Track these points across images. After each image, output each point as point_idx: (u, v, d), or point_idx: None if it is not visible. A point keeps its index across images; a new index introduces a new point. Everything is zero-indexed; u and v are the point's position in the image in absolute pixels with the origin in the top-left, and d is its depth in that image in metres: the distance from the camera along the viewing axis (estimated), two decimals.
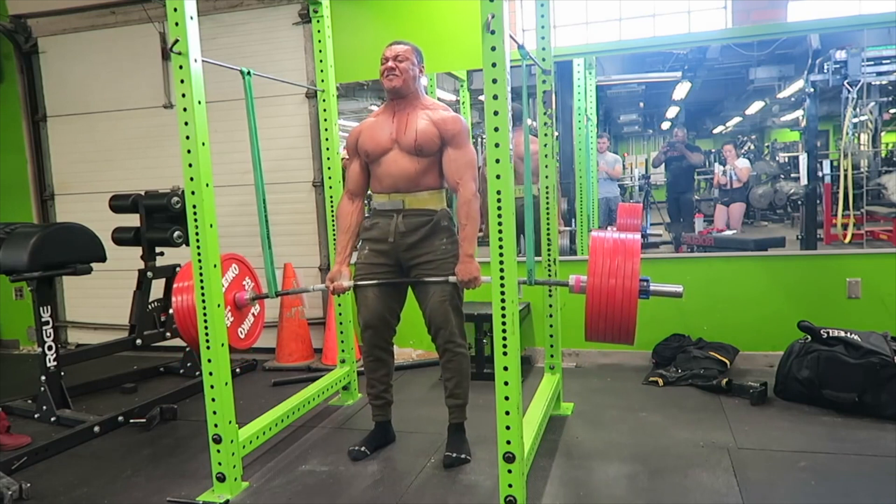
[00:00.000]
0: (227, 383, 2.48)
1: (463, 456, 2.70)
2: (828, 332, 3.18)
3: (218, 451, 2.47)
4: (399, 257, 2.70)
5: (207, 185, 2.38)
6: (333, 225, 3.42)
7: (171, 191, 3.87)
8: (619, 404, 3.32)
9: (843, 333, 3.14)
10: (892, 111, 3.77)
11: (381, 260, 2.72)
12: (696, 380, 3.53)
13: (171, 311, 4.02)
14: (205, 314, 2.42)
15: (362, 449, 2.80)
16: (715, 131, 4.14)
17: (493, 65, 1.96)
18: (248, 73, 2.78)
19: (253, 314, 3.09)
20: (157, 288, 3.92)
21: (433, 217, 2.66)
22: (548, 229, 3.05)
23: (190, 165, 2.35)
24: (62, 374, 3.41)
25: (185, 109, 2.31)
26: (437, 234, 2.66)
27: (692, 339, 3.90)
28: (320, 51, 3.39)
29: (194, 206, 2.37)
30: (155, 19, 4.60)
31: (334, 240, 3.42)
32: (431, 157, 2.64)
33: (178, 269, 3.97)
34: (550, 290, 3.08)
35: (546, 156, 3.02)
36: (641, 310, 3.86)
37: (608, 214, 4.25)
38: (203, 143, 2.35)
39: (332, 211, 3.43)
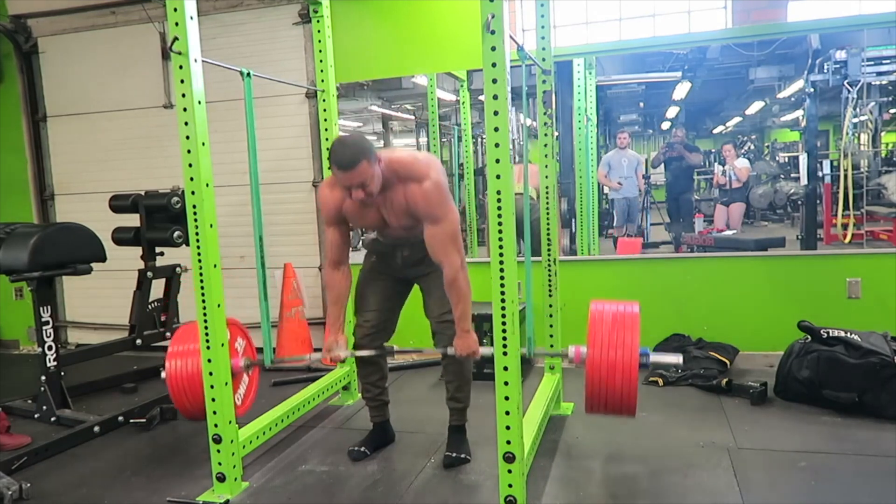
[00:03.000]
0: (227, 383, 2.49)
1: (463, 456, 2.70)
2: (828, 332, 3.18)
3: (218, 451, 2.47)
4: (405, 273, 2.74)
5: (207, 185, 2.38)
6: None
7: (171, 191, 3.86)
8: None
9: (843, 333, 3.14)
10: (892, 111, 3.77)
11: (387, 271, 2.75)
12: (696, 380, 3.53)
13: (176, 319, 4.01)
14: (205, 314, 2.42)
15: (362, 449, 2.81)
16: (715, 131, 4.14)
17: (493, 65, 1.96)
18: (248, 74, 2.77)
19: (247, 375, 2.99)
20: (157, 288, 3.92)
21: None
22: (548, 229, 3.05)
23: (190, 165, 2.35)
24: (62, 374, 3.41)
25: (185, 109, 2.31)
26: None
27: (692, 339, 3.90)
28: (320, 51, 3.39)
29: (194, 206, 2.37)
30: (155, 19, 4.60)
31: None
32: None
33: (178, 268, 3.97)
34: (550, 291, 3.08)
35: (546, 156, 3.02)
36: (641, 309, 3.87)
37: (626, 215, 4.23)
38: (203, 143, 2.35)
39: None
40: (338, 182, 2.39)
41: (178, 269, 3.98)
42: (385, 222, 2.56)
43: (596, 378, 2.35)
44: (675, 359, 2.44)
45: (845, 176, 3.76)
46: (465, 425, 2.80)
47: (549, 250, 3.06)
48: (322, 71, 3.40)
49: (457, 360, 2.67)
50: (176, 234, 3.78)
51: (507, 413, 2.10)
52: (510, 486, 2.13)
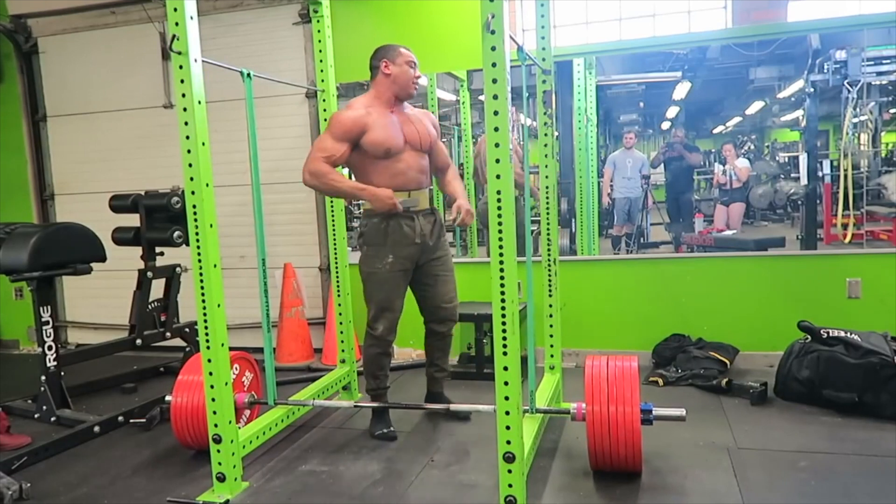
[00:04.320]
0: (227, 383, 2.49)
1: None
2: (828, 332, 3.18)
3: (218, 451, 2.47)
4: (418, 258, 2.89)
5: (207, 185, 2.38)
6: (333, 225, 3.42)
7: (171, 191, 3.86)
8: None
9: (843, 333, 3.14)
10: (892, 111, 3.77)
11: (407, 266, 2.87)
12: (696, 380, 3.53)
13: (176, 318, 4.02)
14: (205, 314, 2.42)
15: (391, 429, 2.99)
16: (715, 131, 4.14)
17: (493, 65, 1.96)
18: (249, 75, 2.77)
19: (248, 410, 3.05)
20: (157, 288, 3.92)
21: (436, 215, 2.97)
22: (548, 229, 3.05)
23: (190, 165, 2.35)
24: (62, 374, 3.41)
25: (185, 109, 2.31)
26: (443, 232, 3.02)
27: (692, 339, 3.90)
28: (320, 51, 3.39)
29: (194, 206, 2.37)
30: (155, 19, 4.60)
31: (334, 240, 3.42)
32: (429, 155, 2.93)
33: (178, 268, 3.97)
34: (550, 291, 3.08)
35: (546, 156, 3.02)
36: (641, 309, 3.86)
37: (627, 215, 4.23)
38: (203, 143, 2.35)
39: (332, 211, 3.42)
40: (402, 59, 2.82)
41: (178, 269, 3.98)
42: (405, 142, 2.82)
43: (598, 437, 2.41)
44: (679, 412, 2.49)
45: (845, 176, 3.76)
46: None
47: (549, 250, 3.06)
48: (322, 71, 3.40)
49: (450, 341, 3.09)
50: (176, 234, 3.78)
51: (507, 413, 2.10)
52: (510, 486, 2.13)
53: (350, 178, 2.97)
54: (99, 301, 5.03)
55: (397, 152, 2.79)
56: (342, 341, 3.53)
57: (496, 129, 1.99)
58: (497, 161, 2.00)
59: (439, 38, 4.15)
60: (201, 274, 2.40)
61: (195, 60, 2.31)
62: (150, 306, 3.89)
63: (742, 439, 2.81)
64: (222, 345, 2.46)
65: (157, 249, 3.94)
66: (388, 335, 2.93)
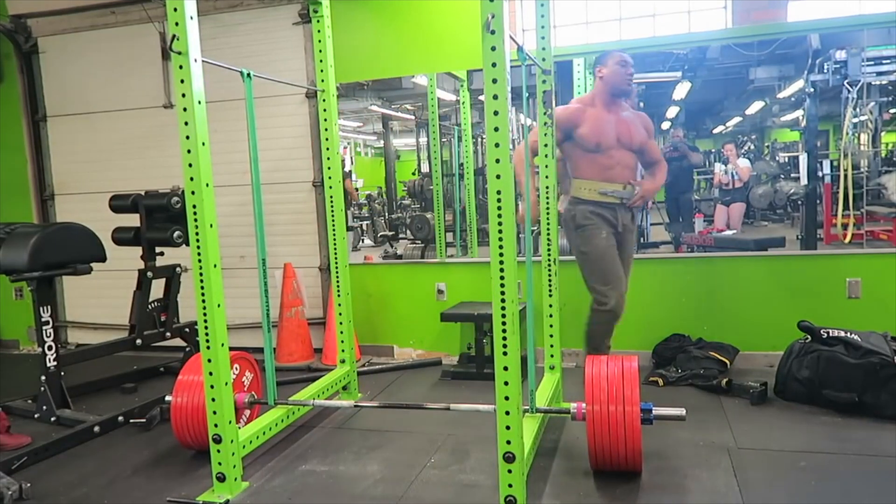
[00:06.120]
0: (227, 383, 2.49)
1: None
2: (828, 332, 3.18)
3: (218, 451, 2.47)
4: (617, 238, 3.39)
5: (207, 185, 2.38)
6: (333, 225, 3.43)
7: (171, 191, 3.86)
8: None
9: (843, 333, 3.14)
10: (892, 111, 3.77)
11: (613, 242, 3.37)
12: (696, 380, 3.53)
13: (176, 319, 4.02)
14: (205, 314, 2.42)
15: None
16: (715, 131, 4.14)
17: (493, 65, 1.96)
18: (249, 75, 2.77)
19: (248, 410, 3.05)
20: (157, 288, 3.92)
21: (633, 211, 3.45)
22: (548, 229, 3.05)
23: (190, 165, 2.35)
24: (62, 374, 3.41)
25: (185, 109, 2.31)
26: (635, 227, 3.56)
27: (692, 339, 3.90)
28: (320, 51, 3.39)
29: (194, 206, 2.37)
30: (155, 19, 4.60)
31: (334, 240, 3.42)
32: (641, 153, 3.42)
33: (178, 268, 3.98)
34: (550, 291, 3.08)
35: (546, 156, 3.02)
36: (641, 309, 3.86)
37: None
38: (203, 143, 2.36)
39: (332, 211, 3.42)
40: (612, 60, 3.30)
41: (178, 269, 3.98)
42: (616, 140, 3.29)
43: (598, 437, 2.40)
44: (679, 412, 2.50)
45: (845, 176, 3.75)
46: None
47: (549, 250, 3.06)
48: (322, 71, 3.40)
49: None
50: (176, 234, 3.78)
51: (507, 413, 2.10)
52: (510, 486, 2.13)
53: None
54: (99, 301, 5.03)
55: (608, 148, 3.24)
56: (342, 341, 3.53)
57: (496, 129, 1.99)
58: (497, 161, 2.00)
59: (439, 38, 4.15)
60: (201, 274, 2.40)
61: (195, 60, 2.31)
62: (150, 306, 3.90)
63: (742, 439, 2.81)
64: (222, 345, 2.46)
65: (157, 249, 3.94)
66: (619, 309, 3.27)
